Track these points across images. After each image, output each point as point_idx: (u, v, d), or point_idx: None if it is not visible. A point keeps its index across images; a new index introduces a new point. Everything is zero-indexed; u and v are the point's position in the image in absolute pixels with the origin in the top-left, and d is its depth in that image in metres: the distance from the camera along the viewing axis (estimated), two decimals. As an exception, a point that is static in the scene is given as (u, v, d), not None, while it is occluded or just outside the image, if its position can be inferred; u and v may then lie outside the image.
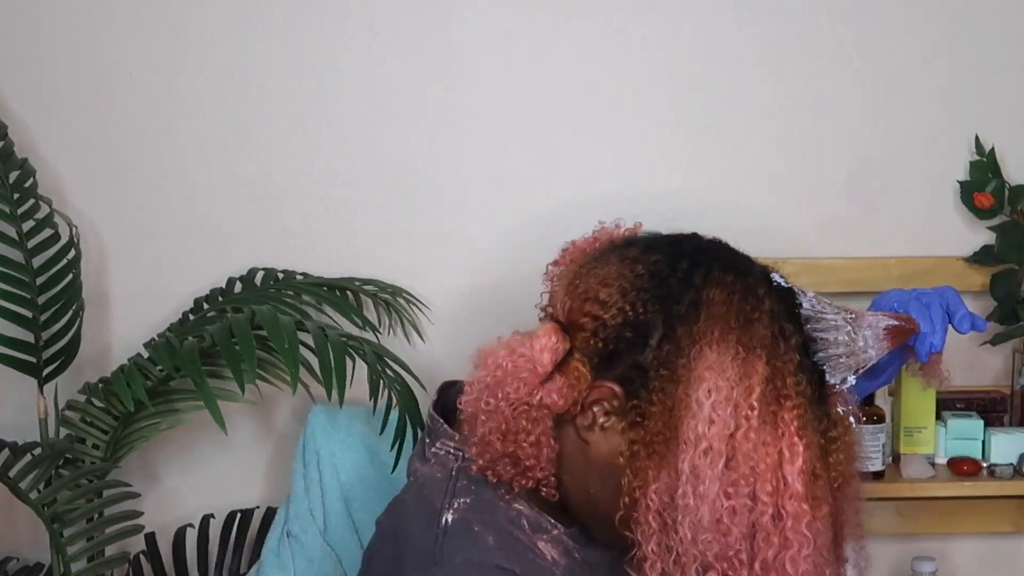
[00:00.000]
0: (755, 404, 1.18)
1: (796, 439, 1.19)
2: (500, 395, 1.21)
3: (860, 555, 1.31)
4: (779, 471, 1.18)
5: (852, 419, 1.28)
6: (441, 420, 1.33)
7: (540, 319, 1.35)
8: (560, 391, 1.21)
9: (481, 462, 1.24)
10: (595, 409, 1.22)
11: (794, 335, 1.23)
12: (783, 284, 1.28)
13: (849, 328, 1.27)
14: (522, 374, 1.21)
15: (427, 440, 1.34)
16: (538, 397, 1.20)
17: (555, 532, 1.28)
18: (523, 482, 1.24)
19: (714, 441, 1.17)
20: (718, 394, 1.17)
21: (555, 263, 1.36)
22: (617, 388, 1.21)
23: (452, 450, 1.30)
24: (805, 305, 1.27)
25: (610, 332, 1.21)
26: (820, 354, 1.26)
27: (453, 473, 1.28)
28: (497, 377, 1.22)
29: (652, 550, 1.19)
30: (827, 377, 1.26)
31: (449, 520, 1.24)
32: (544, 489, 1.24)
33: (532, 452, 1.21)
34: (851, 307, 1.33)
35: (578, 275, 1.27)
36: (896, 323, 1.34)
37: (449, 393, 1.36)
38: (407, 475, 1.37)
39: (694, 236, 1.31)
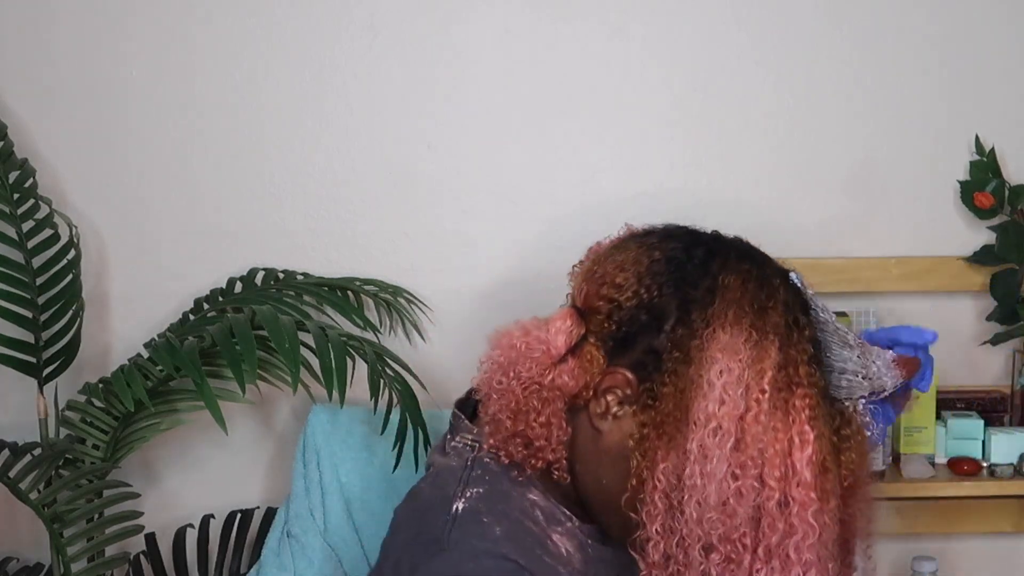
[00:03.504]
0: (767, 388, 1.18)
1: (807, 427, 1.19)
2: (512, 374, 1.22)
3: (867, 561, 1.31)
4: (788, 458, 1.18)
5: (867, 430, 1.28)
6: (463, 416, 1.34)
7: None
8: (572, 373, 1.22)
9: (492, 441, 1.25)
10: (608, 397, 1.22)
11: (807, 327, 1.24)
12: (799, 285, 1.29)
13: (859, 351, 1.27)
14: (535, 354, 1.22)
15: (448, 435, 1.35)
16: (550, 378, 1.21)
17: (569, 525, 1.28)
18: (534, 462, 1.24)
19: (724, 421, 1.17)
20: (729, 375, 1.18)
21: (580, 263, 1.37)
22: (631, 375, 1.22)
23: (470, 442, 1.31)
24: (820, 313, 1.27)
25: (624, 314, 1.22)
26: (837, 365, 1.27)
27: (468, 463, 1.29)
28: (510, 357, 1.23)
29: (656, 530, 1.19)
30: (842, 395, 1.26)
31: (460, 508, 1.24)
32: (556, 472, 1.25)
33: (542, 432, 1.22)
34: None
35: (597, 262, 1.28)
36: (900, 357, 1.34)
37: (474, 393, 1.37)
38: (426, 468, 1.38)
39: (715, 231, 1.32)
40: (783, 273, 1.29)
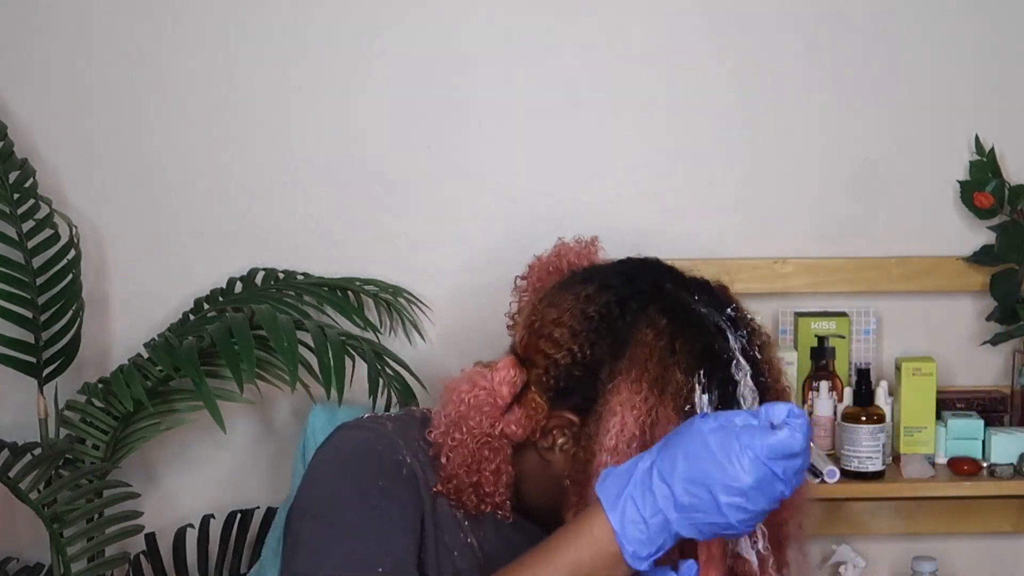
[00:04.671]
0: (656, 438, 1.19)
1: None
2: (465, 429, 1.27)
3: (802, 557, 1.31)
4: None
5: None
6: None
7: (508, 327, 1.39)
8: (519, 422, 1.26)
9: (442, 488, 1.29)
10: (555, 433, 1.27)
11: (718, 385, 1.24)
12: (733, 317, 1.28)
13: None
14: (484, 408, 1.26)
15: None
16: (499, 428, 1.26)
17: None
18: (483, 507, 1.29)
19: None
20: (624, 430, 1.20)
21: (523, 277, 1.40)
22: (574, 417, 1.25)
23: (420, 411, 1.38)
24: (737, 374, 1.25)
25: (561, 371, 1.26)
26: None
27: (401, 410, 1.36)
28: (461, 412, 1.27)
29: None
30: None
31: (365, 415, 1.34)
32: (500, 513, 1.30)
33: (492, 479, 1.27)
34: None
35: (535, 310, 1.31)
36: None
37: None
38: None
39: (651, 268, 1.32)
40: (712, 322, 1.26)
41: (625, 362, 1.22)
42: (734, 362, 1.25)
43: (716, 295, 1.29)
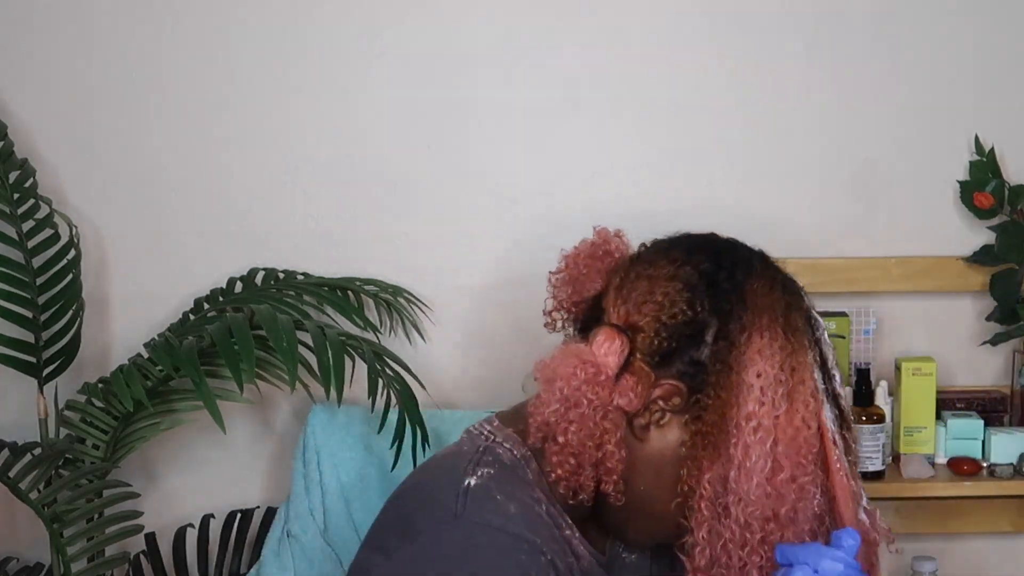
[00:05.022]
0: (803, 383, 1.24)
1: (824, 417, 1.26)
2: (585, 402, 1.24)
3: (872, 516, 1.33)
4: (822, 446, 1.25)
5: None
6: (496, 419, 1.36)
7: (546, 325, 1.38)
8: (634, 390, 1.25)
9: (561, 472, 1.26)
10: (657, 406, 1.26)
11: (817, 327, 1.31)
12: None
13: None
14: (598, 379, 1.24)
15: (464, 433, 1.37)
16: (615, 400, 1.24)
17: (568, 533, 1.30)
18: (606, 487, 1.26)
19: (763, 420, 1.22)
20: (767, 377, 1.23)
21: (559, 271, 1.39)
22: (681, 385, 1.25)
23: (487, 432, 1.33)
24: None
25: (671, 331, 1.25)
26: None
27: (481, 448, 1.30)
28: (572, 387, 1.24)
29: (703, 536, 1.23)
30: None
31: (472, 483, 1.25)
32: (614, 494, 1.27)
33: (616, 453, 1.25)
34: None
35: (626, 279, 1.30)
36: None
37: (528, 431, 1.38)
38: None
39: (729, 239, 1.36)
40: (793, 279, 1.35)
41: (749, 314, 1.25)
42: (823, 329, 1.31)
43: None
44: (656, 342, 1.25)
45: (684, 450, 1.25)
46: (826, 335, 1.32)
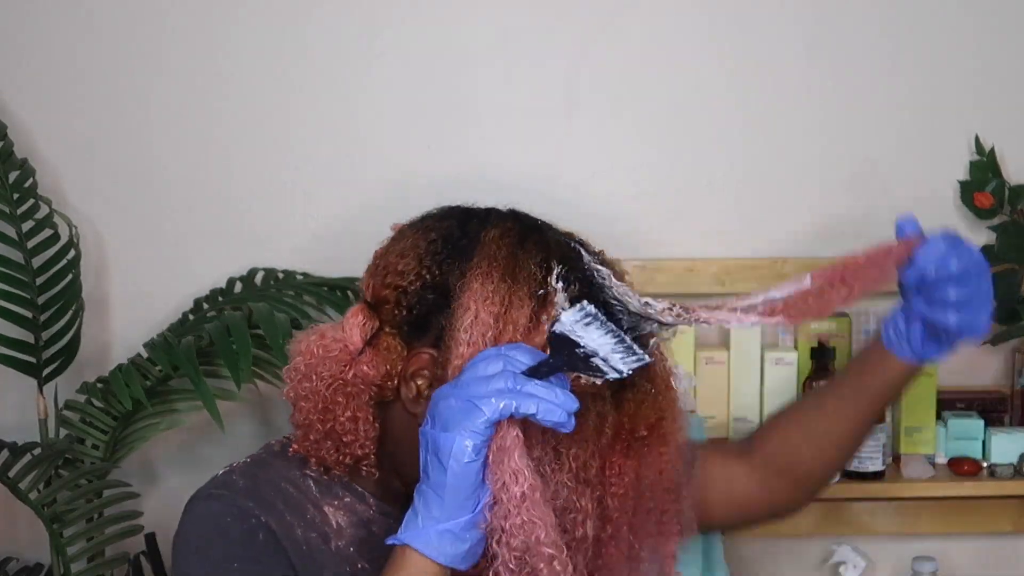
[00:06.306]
0: (518, 335, 1.18)
1: None
2: (315, 376, 1.25)
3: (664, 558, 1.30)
4: None
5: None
6: None
7: None
8: (371, 363, 1.23)
9: (300, 446, 1.28)
10: (418, 381, 1.23)
11: (575, 282, 1.22)
12: (580, 250, 1.26)
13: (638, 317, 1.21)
14: (333, 353, 1.25)
15: None
16: (351, 372, 1.24)
17: (348, 500, 1.30)
18: (343, 458, 1.26)
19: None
20: (480, 323, 1.18)
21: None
22: (435, 352, 1.22)
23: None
24: (608, 287, 1.22)
25: (412, 298, 1.23)
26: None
27: (260, 449, 1.35)
28: (309, 362, 1.26)
29: None
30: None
31: (219, 472, 1.32)
32: (365, 468, 1.27)
33: (350, 427, 1.25)
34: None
35: (379, 256, 1.30)
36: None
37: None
38: None
39: (495, 207, 1.32)
40: (560, 237, 1.28)
41: (474, 260, 1.21)
42: (592, 265, 1.23)
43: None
44: (399, 312, 1.23)
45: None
46: (616, 289, 1.21)
